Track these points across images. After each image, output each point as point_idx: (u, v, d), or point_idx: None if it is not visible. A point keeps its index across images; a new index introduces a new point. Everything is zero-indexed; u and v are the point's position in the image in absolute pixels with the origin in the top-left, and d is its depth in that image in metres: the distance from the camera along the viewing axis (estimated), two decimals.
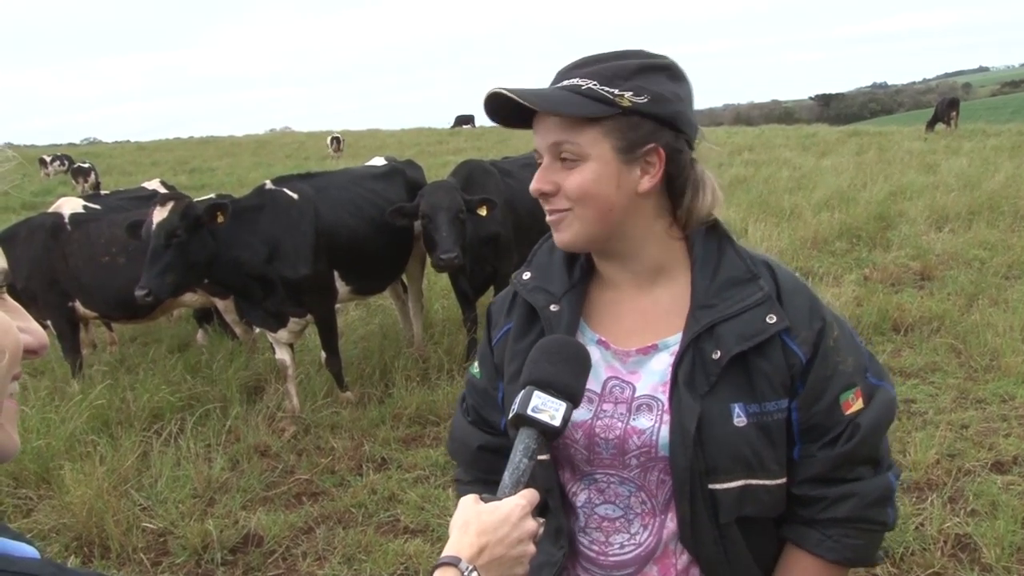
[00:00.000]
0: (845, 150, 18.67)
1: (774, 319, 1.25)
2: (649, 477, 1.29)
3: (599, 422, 1.30)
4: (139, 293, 4.38)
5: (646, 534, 1.31)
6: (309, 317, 5.00)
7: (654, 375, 1.30)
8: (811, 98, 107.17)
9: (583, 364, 1.21)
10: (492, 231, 5.37)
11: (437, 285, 7.17)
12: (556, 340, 1.25)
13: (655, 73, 1.24)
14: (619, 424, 1.29)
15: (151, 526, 3.80)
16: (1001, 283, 6.81)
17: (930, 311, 6.03)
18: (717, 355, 1.24)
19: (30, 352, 0.82)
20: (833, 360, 1.28)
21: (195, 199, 4.77)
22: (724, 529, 1.27)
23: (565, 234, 1.29)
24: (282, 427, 4.83)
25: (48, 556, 3.53)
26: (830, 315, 1.32)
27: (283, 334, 4.96)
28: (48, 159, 26.65)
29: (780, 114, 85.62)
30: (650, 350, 1.31)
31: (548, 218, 1.30)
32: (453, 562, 1.07)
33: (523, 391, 1.17)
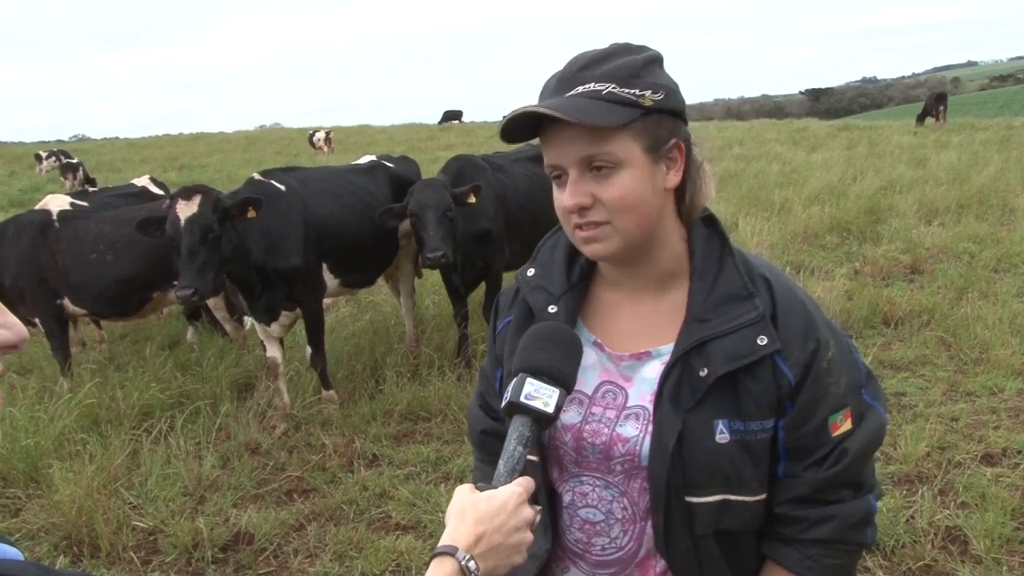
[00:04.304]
0: (835, 144, 18.71)
1: (764, 341, 1.23)
2: (632, 484, 1.29)
3: (587, 426, 1.30)
4: (184, 293, 4.20)
5: (626, 539, 1.32)
6: (298, 311, 4.98)
7: (645, 383, 1.29)
8: (801, 93, 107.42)
9: (575, 350, 1.21)
10: (483, 227, 5.35)
11: (428, 281, 7.15)
12: (547, 327, 1.25)
13: (655, 65, 1.23)
14: (606, 430, 1.29)
15: (141, 525, 3.77)
16: (990, 276, 6.85)
17: (920, 304, 6.05)
18: (704, 372, 1.23)
19: (8, 347, 0.81)
20: (824, 382, 1.26)
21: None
22: (699, 540, 1.27)
23: (604, 246, 1.24)
24: (273, 424, 4.82)
25: (37, 556, 3.47)
26: (826, 334, 1.28)
27: (275, 327, 4.95)
28: (44, 155, 26.42)
29: (770, 109, 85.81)
30: (643, 356, 1.30)
31: (580, 233, 1.25)
32: (450, 551, 1.06)
33: (515, 379, 1.17)
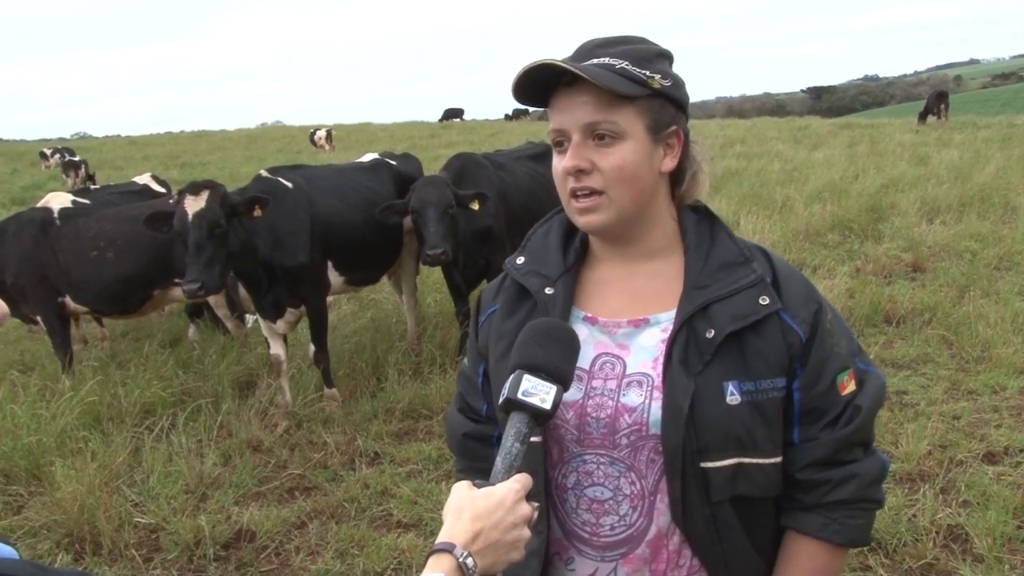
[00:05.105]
0: (837, 142, 18.68)
1: (767, 300, 1.27)
2: (639, 457, 1.29)
3: (590, 401, 1.31)
4: (191, 287, 4.22)
5: (636, 515, 1.31)
6: (303, 309, 4.99)
7: (644, 351, 1.30)
8: (803, 91, 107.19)
9: (572, 346, 1.21)
10: (485, 224, 5.36)
11: (429, 279, 7.15)
12: (544, 323, 1.25)
13: (666, 60, 1.31)
14: (610, 402, 1.29)
15: (143, 522, 3.78)
16: (992, 274, 6.84)
17: (922, 303, 6.05)
18: (711, 334, 1.26)
19: None
20: (829, 342, 1.31)
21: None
22: (716, 508, 1.27)
23: (598, 217, 1.29)
24: (274, 422, 4.82)
25: (39, 553, 3.46)
26: (823, 300, 1.35)
27: (280, 324, 4.97)
28: (49, 152, 26.39)
29: (772, 107, 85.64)
30: (641, 323, 1.32)
31: (576, 203, 1.29)
32: (448, 548, 1.06)
33: (512, 375, 1.16)
